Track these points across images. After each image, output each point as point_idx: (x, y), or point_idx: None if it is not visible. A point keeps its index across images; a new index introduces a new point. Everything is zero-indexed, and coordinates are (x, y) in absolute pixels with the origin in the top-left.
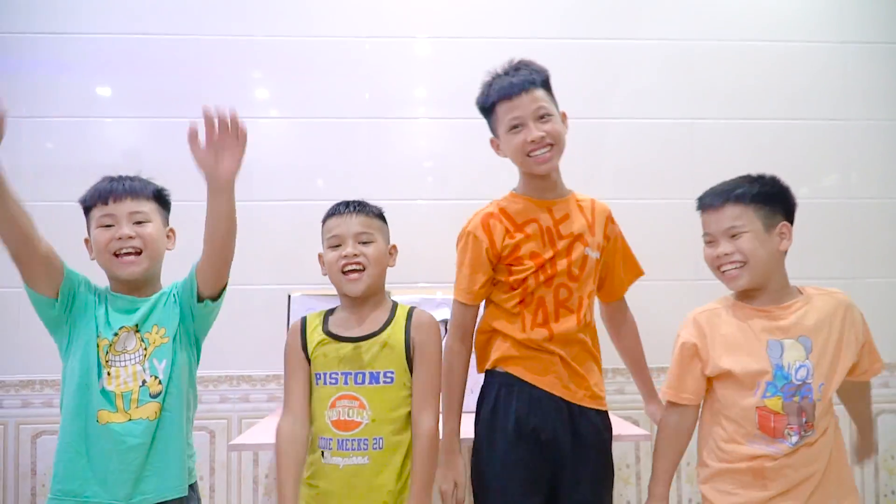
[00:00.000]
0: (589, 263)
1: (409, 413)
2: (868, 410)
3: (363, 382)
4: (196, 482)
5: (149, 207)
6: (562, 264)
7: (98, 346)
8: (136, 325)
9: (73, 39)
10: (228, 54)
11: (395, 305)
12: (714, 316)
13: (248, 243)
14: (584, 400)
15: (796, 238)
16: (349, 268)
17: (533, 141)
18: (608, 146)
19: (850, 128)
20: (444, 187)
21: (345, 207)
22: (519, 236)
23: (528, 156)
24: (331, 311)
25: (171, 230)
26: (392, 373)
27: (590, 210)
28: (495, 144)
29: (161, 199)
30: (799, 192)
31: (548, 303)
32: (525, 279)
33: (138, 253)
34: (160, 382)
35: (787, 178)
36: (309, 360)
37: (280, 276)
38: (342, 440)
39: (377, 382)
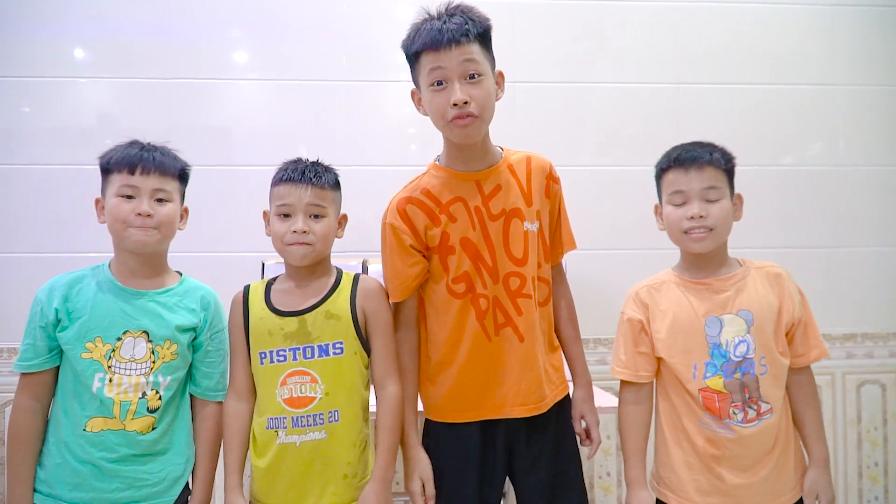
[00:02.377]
0: (531, 238)
1: (363, 381)
2: (816, 420)
3: (312, 356)
4: (188, 484)
5: (172, 186)
6: (501, 253)
7: (93, 349)
8: (146, 333)
9: None
10: (206, 13)
11: (339, 273)
12: (654, 291)
13: (224, 209)
14: (549, 403)
15: (780, 206)
16: (297, 242)
17: (455, 104)
18: (591, 111)
19: (836, 92)
20: (427, 154)
21: (299, 175)
22: (444, 218)
23: (450, 122)
24: (274, 279)
25: (186, 209)
26: (341, 343)
27: (524, 172)
28: (416, 98)
29: (184, 176)
30: (784, 159)
31: (503, 300)
32: (467, 275)
33: (154, 228)
34: (160, 398)
35: (772, 144)
36: (248, 336)
37: (255, 243)
38: (297, 417)
39: (327, 355)
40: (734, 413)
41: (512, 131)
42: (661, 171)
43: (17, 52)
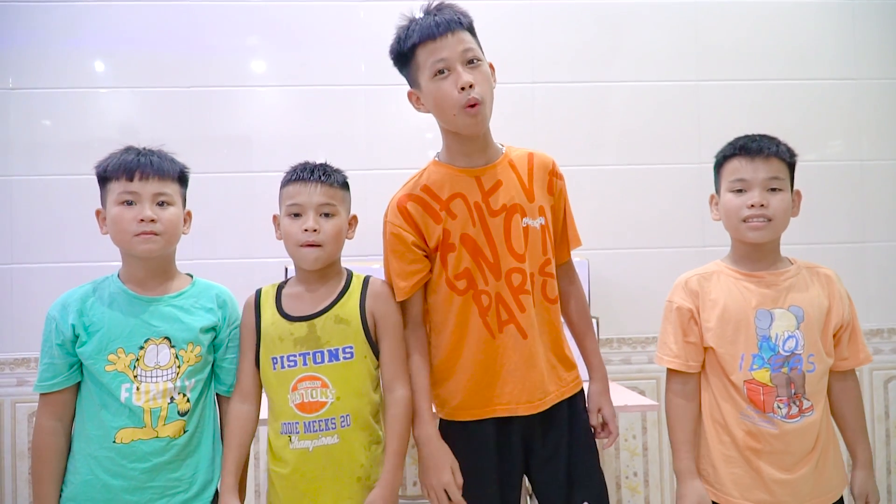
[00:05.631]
0: (532, 234)
1: (374, 384)
2: (860, 423)
3: (323, 361)
4: (217, 491)
5: (173, 189)
6: (503, 249)
7: (116, 361)
8: (168, 339)
9: (65, 8)
10: (224, 22)
11: (350, 275)
12: (704, 280)
13: (246, 216)
14: (554, 400)
15: (804, 202)
16: (308, 242)
17: (463, 88)
18: (611, 110)
19: (859, 87)
20: None
21: (308, 174)
22: (444, 215)
23: (462, 109)
24: (284, 283)
25: (189, 213)
26: (351, 348)
27: (526, 169)
28: (414, 97)
29: (183, 179)
30: (807, 155)
31: (506, 297)
32: (468, 271)
33: (157, 233)
34: (188, 401)
35: (795, 140)
36: (259, 339)
37: (277, 249)
38: (309, 422)
39: (337, 360)
40: (778, 407)
41: (531, 131)
42: (724, 158)
43: (37, 64)
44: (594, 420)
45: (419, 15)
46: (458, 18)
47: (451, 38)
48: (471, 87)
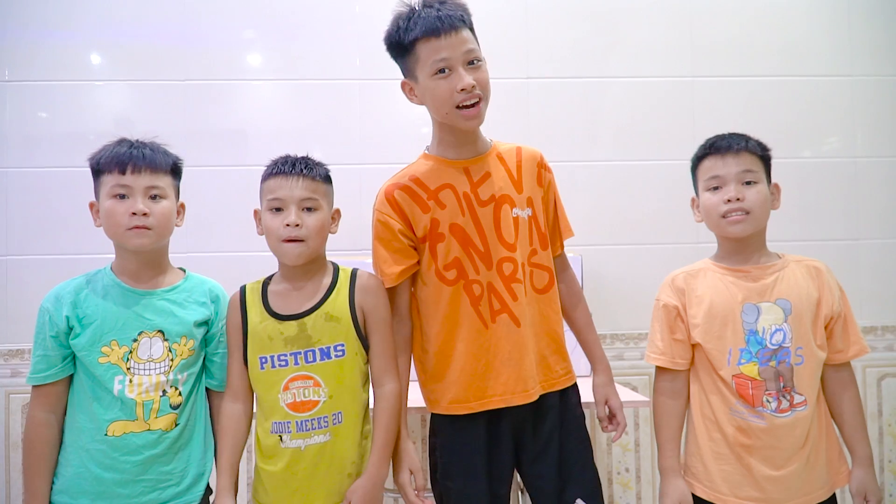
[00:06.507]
0: (521, 224)
1: (364, 379)
2: (858, 418)
3: (315, 360)
4: (208, 483)
5: (165, 182)
6: (493, 238)
7: (110, 353)
8: (162, 332)
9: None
10: (219, 15)
11: (336, 270)
12: (691, 277)
13: (240, 209)
14: (541, 391)
15: (799, 199)
16: (290, 238)
17: (463, 89)
18: (606, 106)
19: (854, 84)
20: None
21: (290, 168)
22: (433, 205)
23: (458, 108)
24: (269, 279)
25: (182, 205)
26: (342, 345)
27: (514, 161)
28: (408, 88)
29: (177, 171)
30: (802, 152)
31: (497, 286)
32: (458, 261)
33: (149, 228)
34: (180, 394)
35: (789, 137)
36: (246, 338)
37: None
38: (301, 421)
39: (329, 358)
40: (767, 401)
41: (525, 126)
42: (698, 160)
43: (33, 57)
44: (601, 412)
45: (417, 6)
46: (462, 16)
47: (455, 37)
48: (472, 87)
